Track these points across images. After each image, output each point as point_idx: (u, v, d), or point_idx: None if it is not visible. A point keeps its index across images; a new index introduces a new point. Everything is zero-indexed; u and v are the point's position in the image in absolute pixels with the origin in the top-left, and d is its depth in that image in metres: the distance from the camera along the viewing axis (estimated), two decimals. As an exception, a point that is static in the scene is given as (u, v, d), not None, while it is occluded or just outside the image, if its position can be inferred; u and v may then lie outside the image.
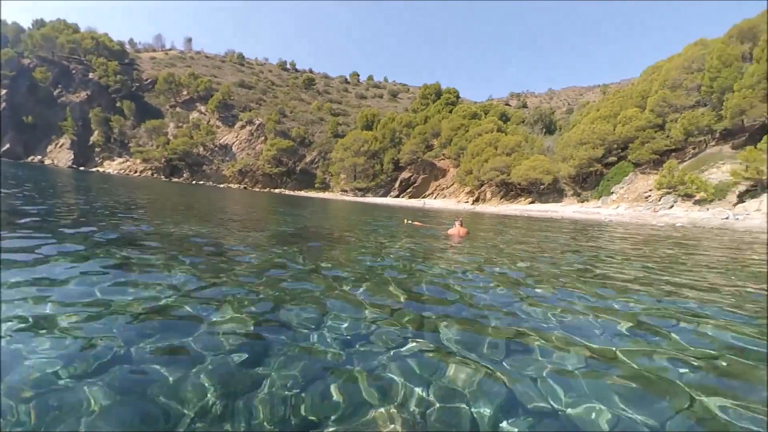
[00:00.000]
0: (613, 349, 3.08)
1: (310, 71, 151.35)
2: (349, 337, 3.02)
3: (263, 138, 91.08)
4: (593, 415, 2.20)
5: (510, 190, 49.73)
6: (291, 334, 3.01)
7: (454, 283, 5.03)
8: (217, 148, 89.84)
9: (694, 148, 36.75)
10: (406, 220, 16.39)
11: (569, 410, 2.24)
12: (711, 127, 34.61)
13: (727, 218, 23.63)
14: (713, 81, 34.90)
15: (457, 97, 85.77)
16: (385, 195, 69.97)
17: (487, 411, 2.19)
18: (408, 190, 68.74)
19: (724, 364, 2.92)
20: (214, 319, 3.16)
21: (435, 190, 65.34)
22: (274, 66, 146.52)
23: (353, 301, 3.92)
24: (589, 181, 43.97)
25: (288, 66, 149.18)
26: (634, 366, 2.80)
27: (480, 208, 47.57)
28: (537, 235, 14.37)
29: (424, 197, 64.04)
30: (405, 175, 70.49)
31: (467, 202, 53.96)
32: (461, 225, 11.01)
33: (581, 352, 2.98)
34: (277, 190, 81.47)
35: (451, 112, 75.48)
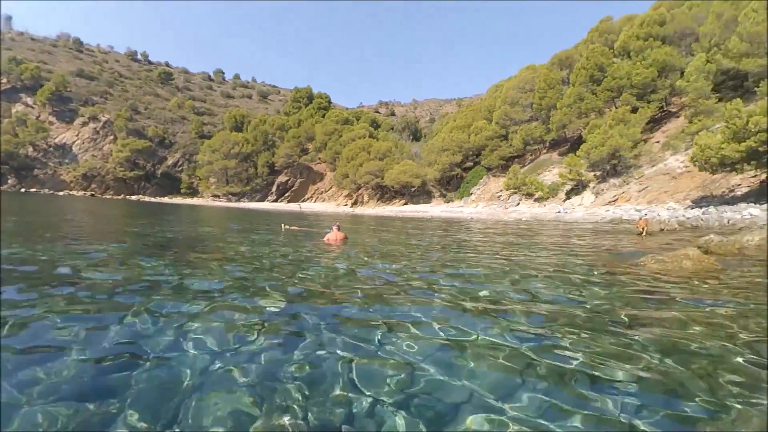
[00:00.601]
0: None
1: (167, 65, 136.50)
2: (218, 350, 2.94)
3: (112, 137, 79.51)
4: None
5: (385, 193, 52.17)
6: (162, 347, 2.91)
7: (331, 286, 5.06)
8: (51, 149, 75.48)
9: (531, 155, 43.46)
10: (284, 226, 15.44)
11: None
12: (542, 137, 41.30)
13: (559, 212, 28.51)
14: (541, 100, 41.59)
15: (329, 102, 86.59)
16: (262, 199, 67.13)
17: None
18: (286, 194, 67.11)
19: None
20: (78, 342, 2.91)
21: (314, 193, 65.02)
22: (122, 55, 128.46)
23: (231, 311, 3.76)
24: (452, 183, 48.69)
25: (139, 57, 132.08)
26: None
27: (359, 210, 48.93)
28: (411, 233, 15.46)
29: (303, 201, 63.18)
30: (282, 178, 68.66)
31: (346, 204, 54.97)
32: (338, 229, 10.72)
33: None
34: (134, 197, 71.95)
35: (324, 116, 75.94)
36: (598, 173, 30.78)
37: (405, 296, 4.51)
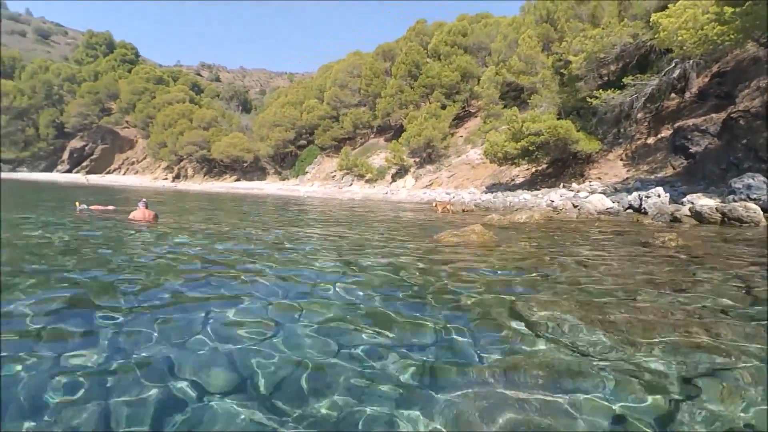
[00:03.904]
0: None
1: None
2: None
3: None
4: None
5: (213, 167, 46.39)
6: None
7: (132, 274, 4.31)
8: None
9: (361, 139, 44.46)
10: (79, 203, 11.43)
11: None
12: (370, 123, 42.65)
13: (386, 193, 30.14)
14: (368, 87, 42.65)
15: (137, 55, 71.41)
16: (49, 169, 51.65)
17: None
18: (84, 164, 52.87)
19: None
20: None
21: (123, 164, 53.06)
22: None
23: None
24: (287, 160, 46.37)
25: None
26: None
27: (183, 185, 42.38)
28: (243, 212, 14.34)
29: (108, 173, 50.95)
30: (76, 143, 53.78)
31: (166, 179, 46.77)
32: (146, 207, 9.17)
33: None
34: None
35: (130, 72, 62.27)
36: (417, 159, 33.55)
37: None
